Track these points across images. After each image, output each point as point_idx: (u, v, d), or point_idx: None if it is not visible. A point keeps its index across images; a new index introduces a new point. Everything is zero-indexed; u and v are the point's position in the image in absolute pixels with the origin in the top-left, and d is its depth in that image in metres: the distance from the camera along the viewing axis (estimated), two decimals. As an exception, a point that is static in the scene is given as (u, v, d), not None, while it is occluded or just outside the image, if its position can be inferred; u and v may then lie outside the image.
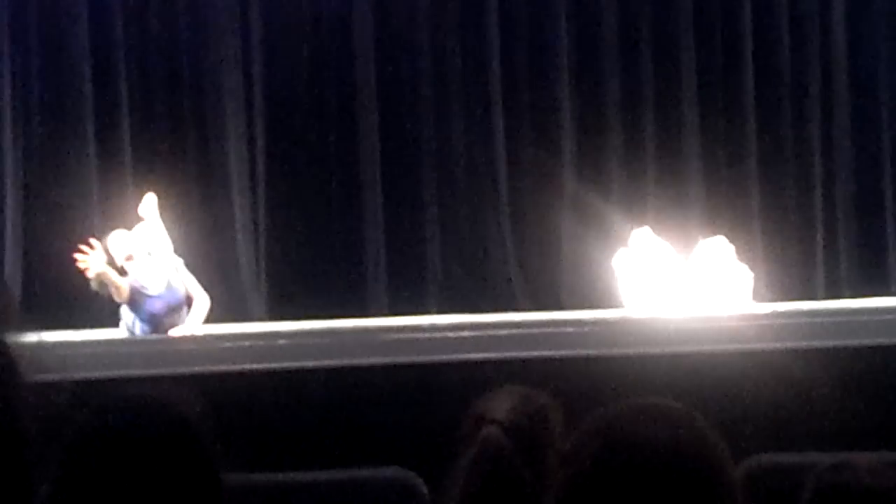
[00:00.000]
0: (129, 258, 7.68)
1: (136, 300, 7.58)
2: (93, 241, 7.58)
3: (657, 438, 1.66)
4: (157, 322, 7.59)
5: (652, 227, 8.49)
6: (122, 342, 7.48)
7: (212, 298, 8.14)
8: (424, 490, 3.53)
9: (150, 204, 7.98)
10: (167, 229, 8.19)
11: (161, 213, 8.15)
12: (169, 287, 7.70)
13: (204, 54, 9.37)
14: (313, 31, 9.50)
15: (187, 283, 7.86)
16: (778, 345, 5.34)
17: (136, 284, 7.59)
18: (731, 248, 8.08)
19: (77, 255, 7.42)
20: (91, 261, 7.37)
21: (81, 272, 7.47)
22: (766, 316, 7.14)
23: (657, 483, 1.63)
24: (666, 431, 1.67)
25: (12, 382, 1.23)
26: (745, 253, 8.53)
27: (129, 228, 7.98)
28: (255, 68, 9.37)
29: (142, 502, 1.94)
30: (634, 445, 1.66)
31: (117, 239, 7.81)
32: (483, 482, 2.73)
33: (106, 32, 9.32)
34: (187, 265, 8.16)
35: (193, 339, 7.37)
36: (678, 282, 7.95)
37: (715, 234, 8.33)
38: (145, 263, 7.69)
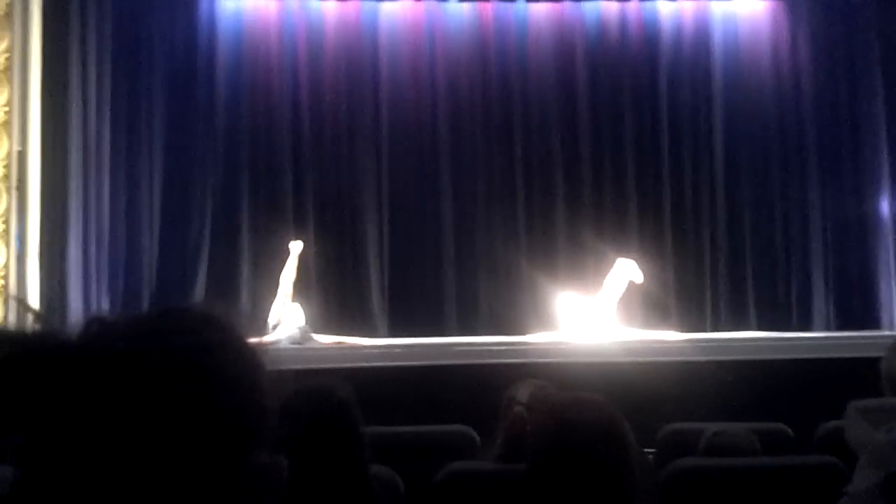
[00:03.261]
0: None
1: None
2: None
3: (583, 417, 1.79)
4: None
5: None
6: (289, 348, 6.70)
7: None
8: (478, 440, 3.62)
9: (295, 247, 7.30)
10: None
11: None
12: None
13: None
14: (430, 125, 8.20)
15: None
16: (679, 358, 5.43)
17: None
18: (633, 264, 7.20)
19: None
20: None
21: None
22: (671, 341, 6.79)
23: (586, 443, 1.76)
24: (590, 410, 1.82)
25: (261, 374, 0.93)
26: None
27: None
28: (384, 148, 8.16)
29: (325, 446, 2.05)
30: (572, 421, 1.79)
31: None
32: (513, 440, 2.74)
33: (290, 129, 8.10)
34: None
35: (345, 346, 6.90)
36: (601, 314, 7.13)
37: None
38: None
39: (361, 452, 2.14)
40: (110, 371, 0.85)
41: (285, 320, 7.05)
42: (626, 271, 7.24)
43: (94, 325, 0.90)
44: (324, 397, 2.12)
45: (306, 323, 7.11)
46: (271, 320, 7.06)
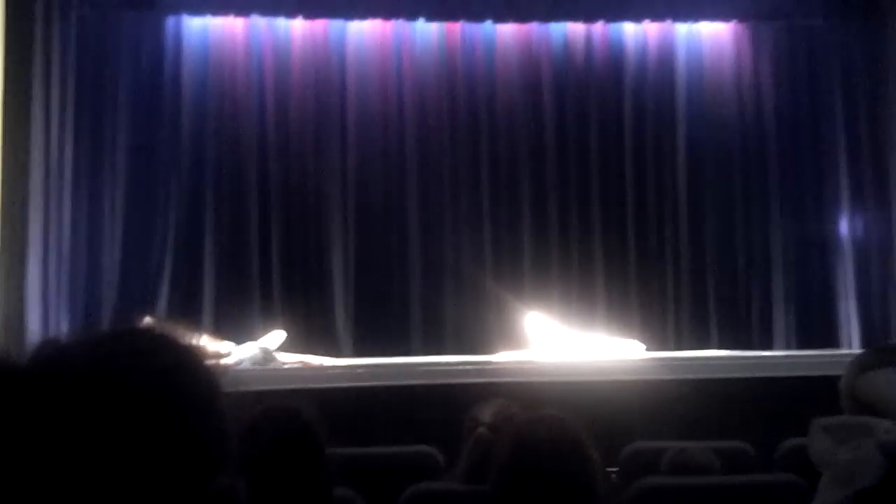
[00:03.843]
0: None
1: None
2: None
3: (545, 436, 1.84)
4: None
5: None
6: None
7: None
8: (441, 460, 3.61)
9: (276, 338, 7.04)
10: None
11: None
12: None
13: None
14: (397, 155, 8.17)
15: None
16: (643, 377, 5.44)
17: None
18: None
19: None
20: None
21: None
22: (634, 359, 6.84)
23: (548, 461, 1.80)
24: (552, 429, 1.86)
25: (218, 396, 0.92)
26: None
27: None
28: (350, 167, 8.09)
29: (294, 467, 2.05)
30: (533, 440, 1.84)
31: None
32: (477, 461, 2.75)
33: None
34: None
35: (309, 367, 6.86)
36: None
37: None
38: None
39: (326, 474, 2.15)
40: (62, 396, 0.83)
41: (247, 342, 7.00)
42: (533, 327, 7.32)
43: (47, 349, 0.89)
44: (289, 419, 2.14)
45: (278, 347, 6.99)
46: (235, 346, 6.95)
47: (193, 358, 0.92)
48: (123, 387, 0.85)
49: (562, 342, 7.12)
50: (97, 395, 0.84)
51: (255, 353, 6.88)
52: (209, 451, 0.89)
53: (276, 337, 7.08)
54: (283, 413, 2.17)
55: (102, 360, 0.87)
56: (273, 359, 6.91)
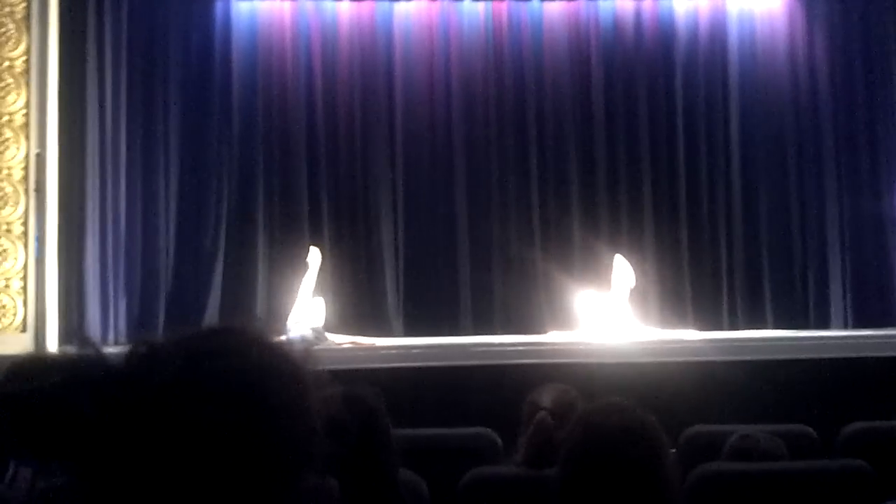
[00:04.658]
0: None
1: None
2: None
3: (617, 424, 1.78)
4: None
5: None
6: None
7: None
8: (500, 443, 3.59)
9: (314, 256, 7.24)
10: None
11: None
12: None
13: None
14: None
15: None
16: (699, 358, 5.35)
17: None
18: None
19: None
20: None
21: None
22: (689, 340, 6.79)
23: (619, 450, 1.74)
24: (623, 418, 1.79)
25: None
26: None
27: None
28: (398, 148, 8.12)
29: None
30: (604, 428, 1.78)
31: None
32: (539, 446, 2.74)
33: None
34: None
35: (361, 347, 6.86)
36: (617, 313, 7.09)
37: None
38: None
39: (392, 460, 2.15)
40: (159, 399, 0.84)
41: (301, 320, 6.99)
42: (623, 269, 7.26)
43: (141, 349, 0.89)
44: (354, 406, 2.12)
45: (325, 320, 7.03)
46: (289, 325, 7.00)
47: (285, 358, 0.92)
48: (215, 388, 0.86)
49: (613, 322, 7.07)
50: (190, 396, 0.85)
51: (305, 332, 6.94)
52: (299, 451, 0.89)
53: (320, 308, 7.05)
54: (348, 399, 2.13)
55: (195, 360, 0.87)
56: (324, 338, 6.96)
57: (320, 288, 7.38)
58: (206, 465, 0.84)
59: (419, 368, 5.50)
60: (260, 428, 0.86)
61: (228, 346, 0.91)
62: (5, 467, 2.30)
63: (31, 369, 1.00)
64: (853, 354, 5.54)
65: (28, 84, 7.01)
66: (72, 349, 0.90)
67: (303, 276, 7.18)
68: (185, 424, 0.84)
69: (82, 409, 0.83)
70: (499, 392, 4.66)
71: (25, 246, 6.95)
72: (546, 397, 2.90)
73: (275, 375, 0.90)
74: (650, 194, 8.28)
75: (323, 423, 0.95)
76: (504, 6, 8.42)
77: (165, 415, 0.84)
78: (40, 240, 6.94)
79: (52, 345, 6.99)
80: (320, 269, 7.36)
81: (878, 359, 5.09)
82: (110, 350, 0.95)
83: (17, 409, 0.81)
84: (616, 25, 8.42)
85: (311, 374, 0.95)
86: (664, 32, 8.41)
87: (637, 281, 7.33)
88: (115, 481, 0.83)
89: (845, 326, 8.02)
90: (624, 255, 7.57)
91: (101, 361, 0.88)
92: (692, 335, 7.12)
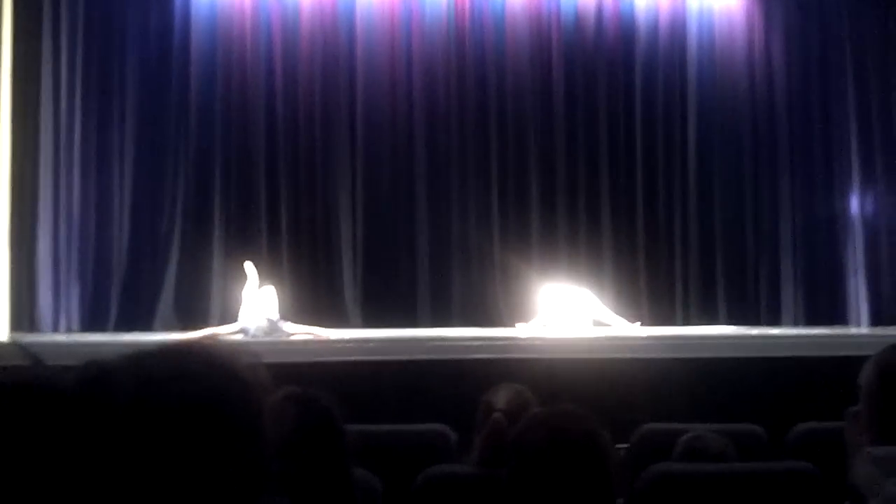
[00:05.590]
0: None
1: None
2: None
3: (570, 427, 1.83)
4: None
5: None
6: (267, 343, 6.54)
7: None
8: (454, 439, 3.52)
9: (250, 269, 7.04)
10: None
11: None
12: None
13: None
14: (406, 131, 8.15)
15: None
16: (652, 356, 5.42)
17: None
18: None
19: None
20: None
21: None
22: (644, 337, 6.84)
23: (569, 455, 1.79)
24: (575, 424, 1.84)
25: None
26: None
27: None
28: (359, 139, 8.09)
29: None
30: (552, 433, 1.83)
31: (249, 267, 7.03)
32: (492, 446, 2.69)
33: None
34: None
35: (318, 340, 6.76)
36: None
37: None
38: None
39: (346, 458, 2.13)
40: (109, 420, 0.83)
41: (253, 309, 6.91)
42: (551, 298, 7.27)
43: (91, 369, 0.87)
44: (308, 405, 2.09)
45: (278, 309, 6.96)
46: (242, 317, 6.93)
47: (238, 378, 0.90)
48: (170, 410, 0.84)
49: (572, 317, 7.11)
50: (144, 418, 0.83)
51: (261, 323, 6.89)
52: (253, 473, 0.88)
53: (271, 297, 6.97)
54: (303, 399, 2.11)
55: (149, 382, 0.85)
56: (279, 329, 6.90)
57: (273, 279, 7.33)
58: (162, 490, 0.82)
59: (376, 362, 5.47)
60: (215, 452, 0.85)
61: (180, 368, 0.89)
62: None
63: None
64: (804, 353, 5.63)
65: (-20, 72, 6.87)
66: (20, 363, 0.88)
67: (244, 285, 7.08)
68: (139, 445, 0.82)
69: (34, 433, 0.81)
70: (455, 386, 4.69)
71: (-24, 235, 6.82)
72: (501, 397, 2.89)
73: (228, 399, 0.89)
74: (608, 189, 8.35)
75: (274, 441, 0.94)
76: (466, 0, 8.40)
77: (119, 436, 0.82)
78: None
79: (3, 332, 6.87)
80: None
81: (828, 358, 5.17)
82: (57, 365, 0.92)
83: None
84: (577, 21, 8.47)
85: (261, 389, 0.93)
86: (625, 28, 8.48)
87: (591, 280, 7.44)
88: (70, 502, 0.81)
89: (796, 324, 8.16)
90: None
91: (49, 380, 0.86)
92: (643, 331, 7.18)
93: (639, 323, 7.40)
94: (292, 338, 6.84)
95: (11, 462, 0.81)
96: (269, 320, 6.92)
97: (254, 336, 6.75)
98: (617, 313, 7.46)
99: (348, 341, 6.64)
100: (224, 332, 6.93)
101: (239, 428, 0.87)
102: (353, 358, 5.58)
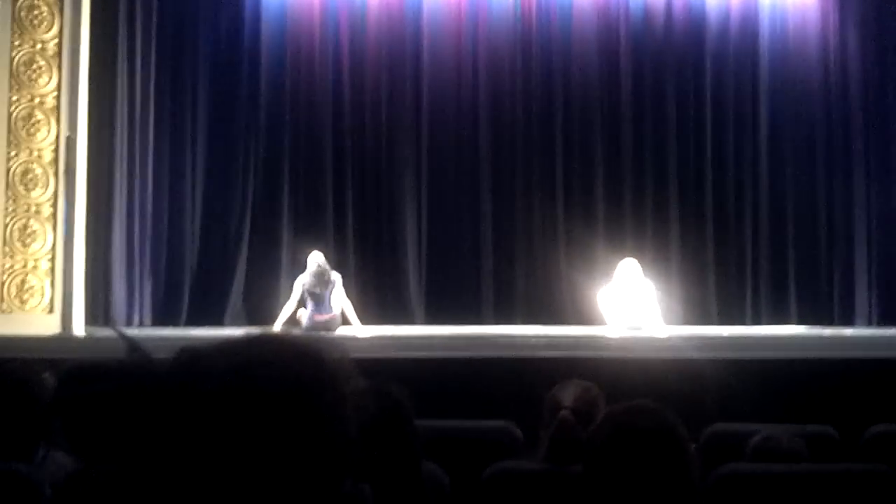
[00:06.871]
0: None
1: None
2: None
3: (644, 425, 1.82)
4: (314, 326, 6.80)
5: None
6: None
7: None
8: (520, 436, 3.53)
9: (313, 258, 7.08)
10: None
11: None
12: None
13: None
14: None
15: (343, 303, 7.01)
16: (721, 355, 5.30)
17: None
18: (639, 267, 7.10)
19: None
20: None
21: None
22: (711, 337, 6.76)
23: (645, 450, 1.78)
24: (649, 421, 1.83)
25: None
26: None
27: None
28: (424, 137, 8.15)
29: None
30: (632, 429, 1.81)
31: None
32: (559, 445, 2.70)
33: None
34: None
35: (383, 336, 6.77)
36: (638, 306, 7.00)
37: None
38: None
39: (416, 453, 2.18)
40: (204, 410, 0.86)
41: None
42: (629, 272, 7.14)
43: (185, 356, 0.91)
44: (380, 399, 2.13)
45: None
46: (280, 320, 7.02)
47: (327, 368, 0.93)
48: (259, 396, 0.87)
49: (634, 317, 7.04)
50: (234, 404, 0.86)
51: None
52: (338, 459, 0.91)
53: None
54: (378, 392, 2.15)
55: (240, 368, 0.88)
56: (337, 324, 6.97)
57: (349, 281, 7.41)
58: (250, 472, 0.85)
59: (441, 359, 5.49)
60: (303, 437, 0.88)
61: (269, 355, 0.92)
62: (35, 450, 2.35)
63: (85, 375, 1.00)
64: (878, 354, 5.50)
65: (60, 67, 7.07)
66: (122, 354, 0.92)
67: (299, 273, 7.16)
68: (230, 432, 0.86)
69: (132, 415, 0.86)
70: (519, 384, 4.59)
71: (54, 228, 7.04)
72: (568, 395, 2.85)
73: (315, 384, 0.92)
74: (676, 187, 8.26)
75: (357, 428, 0.96)
76: (533, -5, 8.39)
77: (211, 421, 0.86)
78: (68, 222, 7.02)
79: (79, 326, 7.07)
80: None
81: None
82: (158, 358, 0.97)
83: (70, 413, 0.82)
84: (646, 16, 8.38)
85: (345, 378, 0.96)
86: (695, 23, 8.37)
87: (658, 278, 7.30)
88: (161, 482, 0.86)
89: (869, 323, 7.98)
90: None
91: (144, 367, 0.90)
92: (716, 331, 7.08)
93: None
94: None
95: (113, 442, 0.86)
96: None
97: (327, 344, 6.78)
98: (685, 313, 7.36)
99: (414, 338, 6.68)
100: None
101: (325, 414, 0.90)
102: (418, 354, 5.61)
